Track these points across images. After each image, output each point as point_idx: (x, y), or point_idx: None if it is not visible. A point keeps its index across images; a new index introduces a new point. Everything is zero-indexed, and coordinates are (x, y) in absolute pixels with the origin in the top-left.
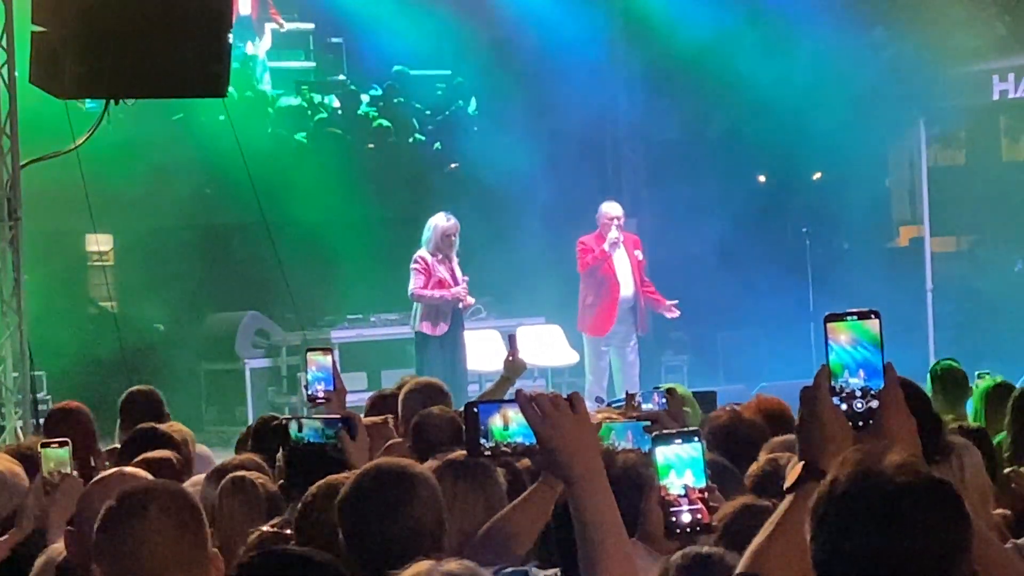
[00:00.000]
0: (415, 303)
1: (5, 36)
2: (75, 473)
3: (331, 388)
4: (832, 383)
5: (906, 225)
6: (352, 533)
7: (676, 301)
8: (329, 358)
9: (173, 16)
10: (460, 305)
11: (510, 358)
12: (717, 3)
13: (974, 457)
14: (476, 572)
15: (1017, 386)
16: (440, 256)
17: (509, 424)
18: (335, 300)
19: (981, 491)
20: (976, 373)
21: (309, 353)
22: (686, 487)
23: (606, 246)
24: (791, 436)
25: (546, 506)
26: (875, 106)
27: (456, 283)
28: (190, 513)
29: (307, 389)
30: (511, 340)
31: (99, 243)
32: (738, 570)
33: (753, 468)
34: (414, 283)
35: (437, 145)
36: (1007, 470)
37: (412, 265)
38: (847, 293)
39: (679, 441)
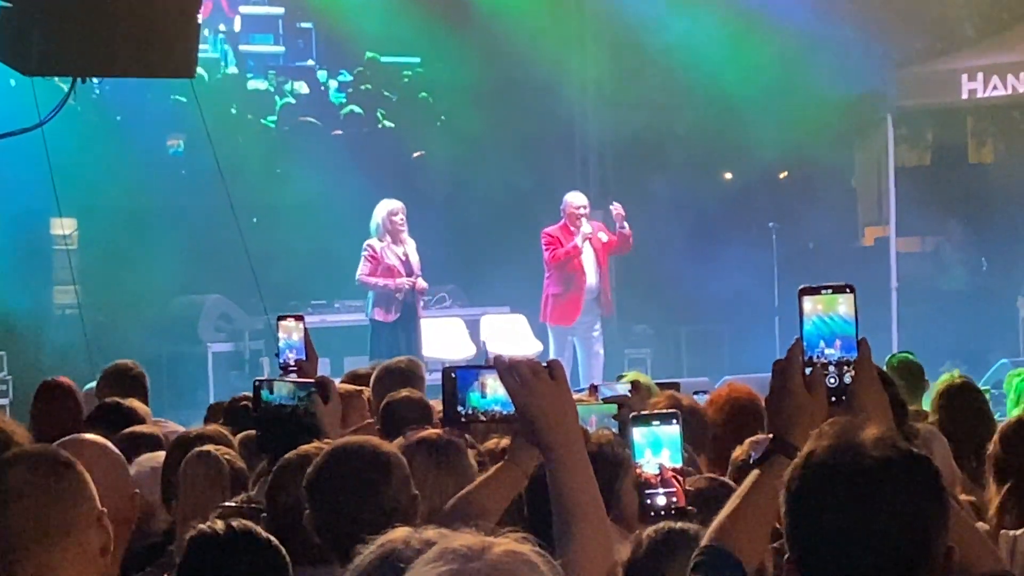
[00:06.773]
0: (369, 291)
1: None
2: None
3: (302, 357)
4: (808, 354)
5: (871, 226)
6: (322, 513)
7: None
8: (301, 325)
9: None
10: (415, 289)
11: None
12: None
13: (941, 445)
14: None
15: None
16: (389, 241)
17: (487, 392)
18: (299, 285)
19: (948, 478)
20: (940, 369)
21: (280, 320)
22: (660, 466)
23: (579, 240)
24: None
25: (512, 486)
26: (842, 105)
27: (409, 268)
28: (57, 477)
29: (278, 357)
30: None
31: (63, 227)
32: (703, 542)
33: (737, 453)
34: (360, 269)
35: (402, 133)
36: None
37: (362, 251)
38: None
39: (657, 422)
